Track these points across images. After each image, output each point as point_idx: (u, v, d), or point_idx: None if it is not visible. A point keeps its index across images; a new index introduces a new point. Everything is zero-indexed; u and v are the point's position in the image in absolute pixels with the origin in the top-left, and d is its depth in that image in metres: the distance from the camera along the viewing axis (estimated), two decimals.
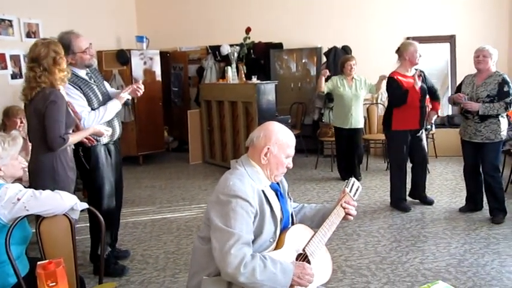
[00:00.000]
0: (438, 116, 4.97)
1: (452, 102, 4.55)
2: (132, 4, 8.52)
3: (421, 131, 4.75)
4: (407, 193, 4.95)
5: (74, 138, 2.99)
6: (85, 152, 3.33)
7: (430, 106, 4.97)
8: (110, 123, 3.42)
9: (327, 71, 5.96)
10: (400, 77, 4.62)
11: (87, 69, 3.40)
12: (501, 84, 4.15)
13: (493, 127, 4.21)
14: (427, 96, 4.79)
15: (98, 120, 3.26)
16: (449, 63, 7.60)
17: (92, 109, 3.30)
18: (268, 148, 1.94)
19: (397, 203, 4.82)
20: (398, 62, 4.72)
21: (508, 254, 3.63)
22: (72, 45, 3.21)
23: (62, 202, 2.18)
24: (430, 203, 4.88)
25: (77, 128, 3.13)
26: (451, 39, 7.55)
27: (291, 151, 2.01)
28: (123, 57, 7.15)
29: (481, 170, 4.43)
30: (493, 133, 4.21)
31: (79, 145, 3.26)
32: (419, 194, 4.95)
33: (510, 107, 4.15)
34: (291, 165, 2.03)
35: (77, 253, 2.30)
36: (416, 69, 4.72)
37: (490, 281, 3.19)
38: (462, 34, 7.42)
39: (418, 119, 4.66)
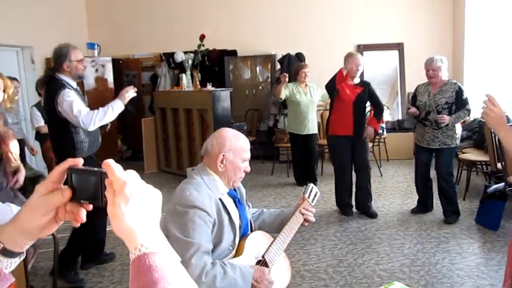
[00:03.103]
0: (376, 132, 4.94)
1: (412, 116, 4.58)
2: (82, 10, 8.31)
3: (360, 139, 4.72)
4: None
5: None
6: None
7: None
8: (94, 134, 3.48)
9: (286, 75, 5.92)
10: (340, 76, 4.65)
11: (78, 80, 3.53)
12: (458, 93, 4.30)
13: (449, 133, 4.35)
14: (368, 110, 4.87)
15: (103, 119, 3.35)
16: (398, 70, 7.87)
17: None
18: (224, 155, 1.93)
19: (339, 206, 4.92)
20: (344, 69, 4.72)
21: (457, 252, 3.78)
22: (70, 54, 3.38)
23: (12, 215, 2.08)
24: (372, 215, 4.72)
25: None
26: (399, 47, 7.84)
27: (247, 155, 2.01)
28: None
29: (431, 175, 4.60)
30: (449, 138, 4.35)
31: (66, 156, 3.17)
32: (363, 205, 4.83)
33: (470, 113, 4.39)
34: (248, 169, 2.02)
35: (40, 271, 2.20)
36: (362, 80, 4.80)
37: (442, 279, 3.32)
38: (410, 42, 7.73)
39: (351, 126, 4.65)
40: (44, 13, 7.00)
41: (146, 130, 7.32)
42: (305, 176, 5.96)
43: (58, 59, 3.39)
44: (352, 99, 4.63)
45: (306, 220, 2.13)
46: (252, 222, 2.18)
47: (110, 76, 7.47)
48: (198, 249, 1.74)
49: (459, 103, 4.30)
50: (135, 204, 0.74)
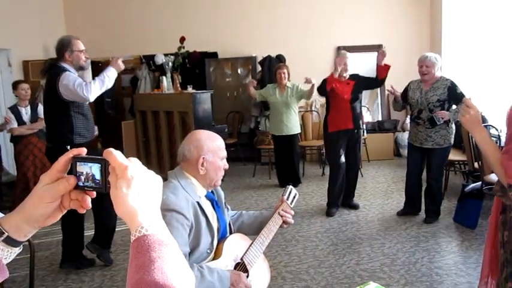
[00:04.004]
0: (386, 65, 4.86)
1: (394, 100, 4.67)
2: (60, 12, 8.19)
3: (356, 134, 4.93)
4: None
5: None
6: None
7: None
8: (84, 123, 3.64)
9: (254, 81, 6.19)
10: (333, 79, 4.81)
11: (79, 70, 3.71)
12: (451, 88, 4.24)
13: (442, 133, 4.32)
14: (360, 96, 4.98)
15: (101, 88, 3.53)
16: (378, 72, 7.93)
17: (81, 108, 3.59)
18: (204, 158, 1.92)
19: (329, 204, 4.97)
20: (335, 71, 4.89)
21: (436, 251, 3.83)
22: (72, 44, 3.57)
23: None
24: (355, 206, 5.02)
25: None
26: (378, 49, 7.87)
27: (224, 153, 2.01)
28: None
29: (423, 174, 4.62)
30: (443, 139, 4.33)
31: (65, 143, 3.47)
32: (348, 198, 5.07)
33: None
34: (227, 166, 2.03)
35: None
36: (351, 74, 4.89)
37: (421, 277, 3.36)
38: (389, 43, 7.80)
39: (351, 119, 4.82)
40: (21, 15, 6.88)
41: (126, 133, 7.25)
42: (287, 177, 5.98)
43: (60, 49, 3.57)
44: (349, 93, 4.78)
45: (284, 222, 2.14)
46: (231, 224, 2.18)
47: (89, 78, 7.34)
48: None
49: (455, 98, 4.21)
50: (136, 186, 0.78)
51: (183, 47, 7.33)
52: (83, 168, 0.84)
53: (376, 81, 4.91)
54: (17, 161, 5.37)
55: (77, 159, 0.84)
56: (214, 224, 1.96)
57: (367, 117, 7.79)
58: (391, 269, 3.53)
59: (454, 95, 4.23)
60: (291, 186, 2.27)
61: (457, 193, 4.86)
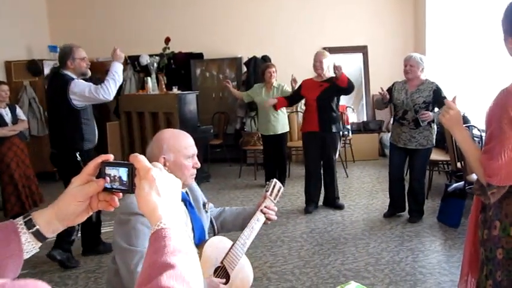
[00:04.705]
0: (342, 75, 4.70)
1: (381, 100, 4.58)
2: (43, 12, 8.09)
3: (329, 136, 4.87)
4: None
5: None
6: (81, 157, 3.77)
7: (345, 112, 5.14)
8: (91, 129, 3.90)
9: (229, 81, 6.35)
10: (307, 81, 4.91)
11: (81, 77, 3.83)
12: (436, 91, 4.27)
13: (426, 133, 4.36)
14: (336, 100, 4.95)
15: (115, 85, 3.77)
16: (363, 72, 8.01)
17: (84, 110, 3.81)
18: (164, 157, 1.87)
19: (306, 202, 5.05)
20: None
21: (420, 250, 3.87)
22: (73, 52, 3.76)
23: None
24: (340, 207, 5.02)
25: None
26: (363, 50, 7.98)
27: (190, 151, 1.92)
28: (34, 67, 6.79)
29: (404, 175, 4.67)
30: (426, 139, 4.37)
31: (75, 150, 3.73)
32: (332, 199, 5.09)
33: None
34: (198, 165, 1.95)
35: None
36: (332, 77, 4.82)
37: (405, 277, 3.39)
38: (373, 45, 7.88)
39: (316, 122, 4.82)
40: (4, 15, 6.79)
41: (111, 134, 7.20)
42: (275, 177, 5.99)
43: (63, 57, 3.78)
44: (316, 95, 4.78)
45: (268, 219, 2.11)
46: (213, 221, 2.16)
47: None
48: (142, 257, 1.68)
49: (439, 102, 4.22)
50: (157, 186, 0.89)
51: (168, 48, 7.29)
52: (111, 171, 0.94)
53: (343, 90, 4.84)
54: (1, 163, 5.29)
55: (105, 163, 0.95)
56: (188, 226, 1.93)
57: (353, 117, 7.84)
58: (375, 268, 3.56)
59: (438, 98, 4.27)
60: (275, 180, 2.20)
61: (440, 193, 4.91)
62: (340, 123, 5.11)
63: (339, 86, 4.73)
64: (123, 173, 0.94)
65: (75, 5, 8.15)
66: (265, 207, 2.10)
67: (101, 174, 0.95)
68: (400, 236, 4.21)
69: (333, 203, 5.07)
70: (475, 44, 5.88)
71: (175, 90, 6.27)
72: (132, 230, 1.74)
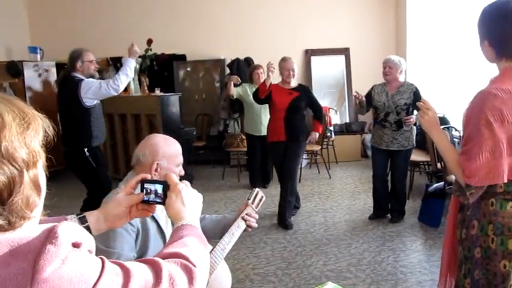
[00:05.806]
0: (322, 134, 4.86)
1: (359, 104, 4.54)
2: (23, 12, 7.98)
3: (293, 145, 4.60)
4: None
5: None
6: (89, 152, 4.05)
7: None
8: (100, 127, 4.11)
9: (238, 78, 5.95)
10: (276, 87, 4.66)
11: (90, 78, 4.04)
12: (416, 93, 4.31)
13: (407, 134, 4.40)
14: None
15: (126, 80, 4.04)
16: (345, 74, 8.07)
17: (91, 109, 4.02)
18: (158, 163, 1.91)
19: None
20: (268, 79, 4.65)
21: (401, 250, 3.91)
22: (82, 55, 4.03)
23: None
24: (286, 226, 4.54)
25: None
26: (346, 52, 8.04)
27: (180, 159, 2.00)
28: (14, 69, 6.69)
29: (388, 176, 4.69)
30: (407, 140, 4.41)
31: (83, 146, 4.01)
32: (281, 217, 4.65)
33: None
34: (182, 173, 2.01)
35: None
36: (300, 84, 4.79)
37: (386, 276, 3.42)
38: (355, 47, 7.95)
39: (283, 132, 4.57)
40: None
41: None
42: (259, 177, 6.00)
43: (72, 60, 4.03)
44: (285, 104, 4.55)
45: (248, 226, 2.12)
46: None
47: (54, 81, 7.22)
48: (118, 258, 1.67)
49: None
50: (183, 196, 1.18)
51: (151, 49, 7.22)
52: (149, 186, 1.23)
53: (316, 117, 4.84)
54: None
55: (145, 181, 1.25)
56: (168, 230, 1.93)
57: (335, 119, 7.90)
58: (357, 268, 3.59)
59: (417, 100, 4.28)
60: (257, 189, 2.22)
61: (421, 193, 4.98)
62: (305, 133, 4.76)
63: (313, 105, 4.76)
64: (158, 187, 1.22)
65: (56, 5, 8.05)
66: (246, 214, 2.10)
67: (142, 188, 1.24)
68: (381, 236, 4.25)
69: (281, 221, 4.62)
70: (455, 46, 5.98)
71: (157, 92, 6.23)
72: (111, 232, 1.74)
